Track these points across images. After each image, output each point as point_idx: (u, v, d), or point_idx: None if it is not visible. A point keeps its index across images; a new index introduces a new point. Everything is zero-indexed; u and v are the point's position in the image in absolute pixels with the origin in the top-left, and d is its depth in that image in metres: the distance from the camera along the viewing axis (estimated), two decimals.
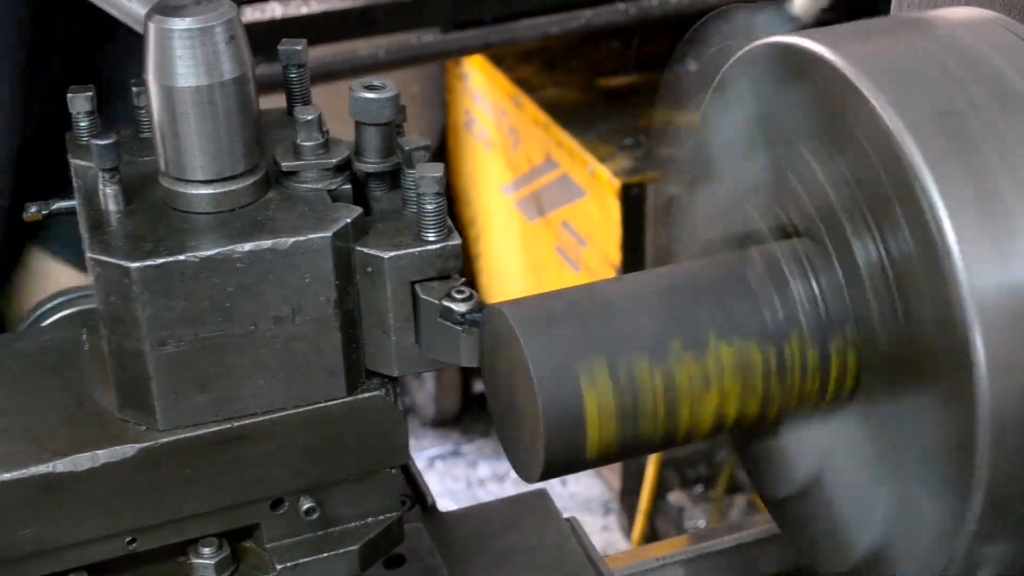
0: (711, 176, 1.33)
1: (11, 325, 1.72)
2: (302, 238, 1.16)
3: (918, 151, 1.05)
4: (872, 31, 1.22)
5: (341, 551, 1.27)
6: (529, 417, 1.12)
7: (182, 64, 1.14)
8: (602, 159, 3.97)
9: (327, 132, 1.22)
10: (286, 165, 1.21)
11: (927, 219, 1.04)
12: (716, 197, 1.31)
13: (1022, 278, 1.04)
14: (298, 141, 1.21)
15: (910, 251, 1.07)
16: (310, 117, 1.21)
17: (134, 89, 1.28)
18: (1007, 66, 1.13)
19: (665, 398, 1.14)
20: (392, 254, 1.18)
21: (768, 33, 1.23)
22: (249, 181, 1.19)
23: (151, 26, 1.14)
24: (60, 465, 1.18)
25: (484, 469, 4.65)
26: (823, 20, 3.73)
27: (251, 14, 3.57)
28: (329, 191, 1.21)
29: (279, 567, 1.26)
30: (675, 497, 4.15)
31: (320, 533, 1.27)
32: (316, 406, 1.22)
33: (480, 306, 1.18)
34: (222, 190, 1.19)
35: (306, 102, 1.30)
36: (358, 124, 1.22)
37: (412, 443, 1.37)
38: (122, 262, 1.14)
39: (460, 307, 1.18)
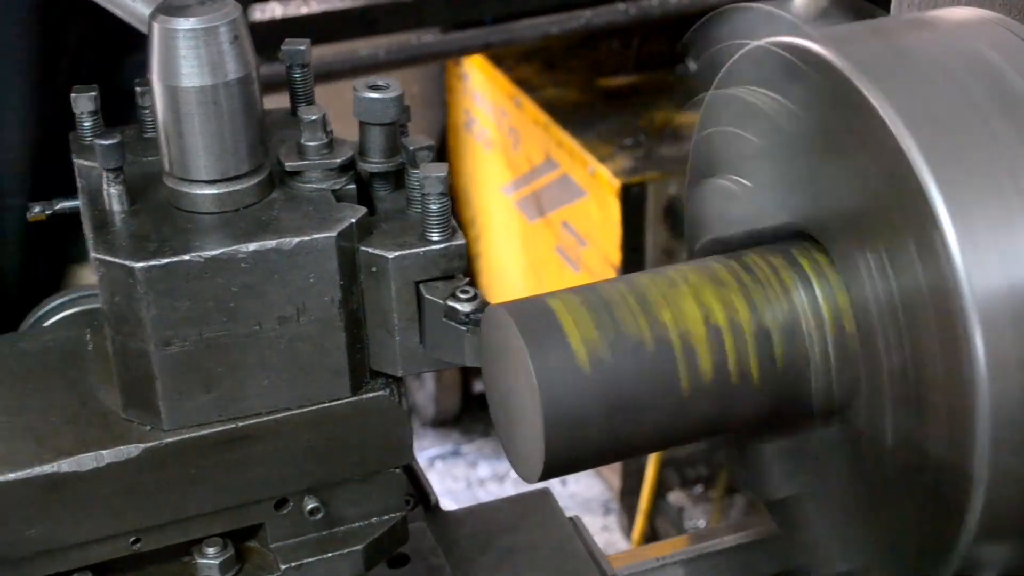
0: (711, 176, 1.33)
1: None
2: (306, 238, 1.16)
3: (918, 151, 1.05)
4: (872, 31, 1.22)
5: (345, 551, 1.27)
6: (529, 417, 1.12)
7: (186, 64, 1.14)
8: (602, 159, 3.97)
9: (331, 132, 1.22)
10: (290, 165, 1.21)
11: (928, 219, 1.04)
12: (716, 198, 1.31)
13: (1022, 278, 1.04)
14: (302, 141, 1.21)
15: (911, 251, 1.07)
16: (314, 117, 1.21)
17: (138, 89, 1.28)
18: (1007, 66, 1.13)
19: (634, 296, 1.14)
20: (396, 254, 1.19)
21: (768, 33, 1.24)
22: (253, 181, 1.20)
23: (155, 26, 1.14)
24: (65, 465, 1.18)
25: (484, 469, 4.65)
26: (823, 20, 3.73)
27: (250, 14, 3.57)
28: (333, 191, 1.21)
29: (283, 567, 1.26)
30: (675, 497, 4.15)
31: (324, 533, 1.28)
32: (320, 406, 1.22)
33: (484, 306, 1.18)
34: (226, 190, 1.19)
35: (310, 102, 1.30)
36: (362, 124, 1.22)
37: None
38: (126, 262, 1.14)
39: (465, 307, 1.18)
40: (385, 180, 1.25)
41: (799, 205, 1.20)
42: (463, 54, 4.19)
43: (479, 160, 4.58)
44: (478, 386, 4.54)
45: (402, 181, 1.24)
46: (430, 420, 4.75)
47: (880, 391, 1.13)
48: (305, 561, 1.27)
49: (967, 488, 1.05)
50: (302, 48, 1.29)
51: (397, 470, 1.28)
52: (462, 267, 1.20)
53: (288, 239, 1.16)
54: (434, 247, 1.19)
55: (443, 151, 4.66)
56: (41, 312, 1.53)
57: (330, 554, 1.27)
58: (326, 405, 1.22)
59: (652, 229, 3.91)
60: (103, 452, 1.19)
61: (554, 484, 1.53)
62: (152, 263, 1.14)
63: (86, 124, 1.27)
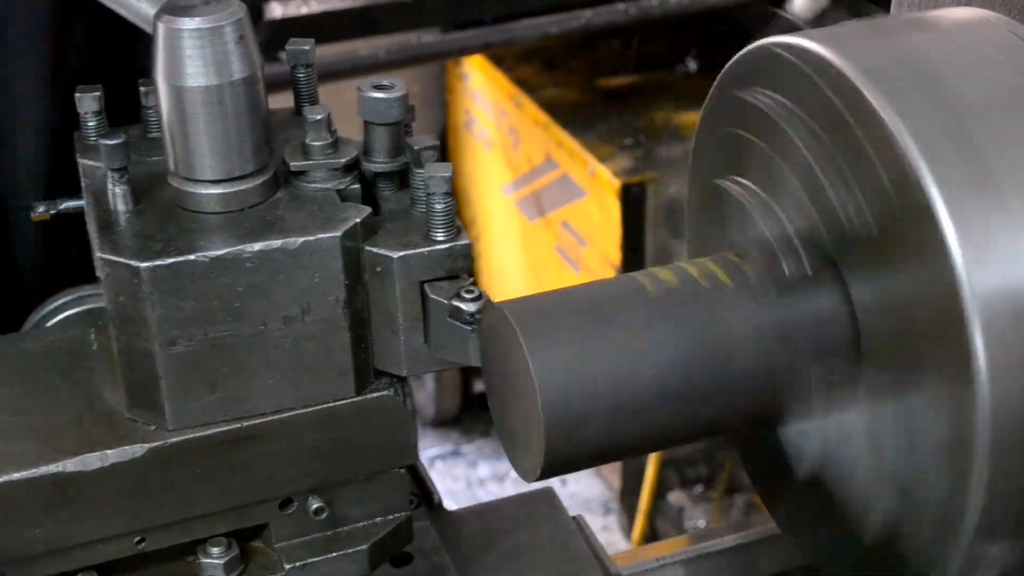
0: (711, 177, 1.33)
1: None
2: (311, 238, 1.16)
3: (918, 151, 1.05)
4: (873, 31, 1.23)
5: (350, 551, 1.27)
6: (529, 417, 1.12)
7: (191, 64, 1.14)
8: (602, 159, 3.97)
9: (335, 132, 1.22)
10: (295, 165, 1.21)
11: (928, 219, 1.04)
12: (716, 198, 1.31)
13: (1022, 278, 1.04)
14: (307, 141, 1.21)
15: (911, 251, 1.07)
16: (319, 117, 1.21)
17: (142, 89, 1.28)
18: (1007, 66, 1.13)
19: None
20: (401, 254, 1.19)
21: (768, 33, 1.24)
22: (258, 181, 1.20)
23: (160, 26, 1.14)
24: (70, 465, 1.18)
25: (484, 469, 4.65)
26: (823, 20, 3.73)
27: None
28: (338, 191, 1.21)
29: (288, 567, 1.26)
30: (675, 497, 4.15)
31: (329, 533, 1.28)
32: (325, 406, 1.22)
33: (489, 306, 1.18)
34: (231, 190, 1.19)
35: (314, 102, 1.30)
36: (367, 124, 1.22)
37: None
38: (132, 262, 1.14)
39: (469, 307, 1.18)
40: (389, 180, 1.25)
41: (799, 205, 1.20)
42: (463, 54, 4.19)
43: (479, 160, 4.58)
44: (478, 386, 4.54)
45: (406, 181, 1.24)
46: (430, 420, 4.75)
47: (881, 390, 1.14)
48: (309, 561, 1.27)
49: (967, 488, 1.05)
50: (306, 48, 1.29)
51: (401, 470, 1.28)
52: (467, 267, 1.20)
53: (293, 239, 1.16)
54: (439, 247, 1.19)
55: (443, 151, 4.64)
56: (44, 312, 1.53)
57: (334, 554, 1.27)
58: (331, 405, 1.22)
59: (652, 229, 3.91)
60: (108, 452, 1.19)
61: (554, 484, 1.53)
62: (157, 263, 1.14)
63: (90, 124, 1.27)
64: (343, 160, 1.21)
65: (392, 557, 1.37)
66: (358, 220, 1.18)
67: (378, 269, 1.19)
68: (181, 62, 1.14)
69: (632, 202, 3.89)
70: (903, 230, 1.07)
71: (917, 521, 1.12)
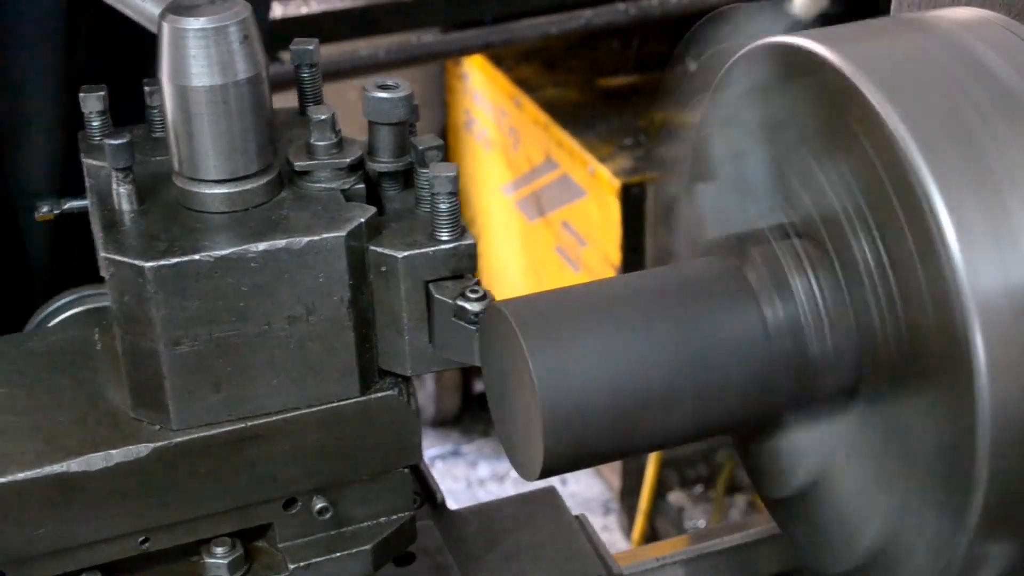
0: (711, 177, 1.33)
1: None
2: (316, 238, 1.16)
3: (918, 151, 1.05)
4: (872, 31, 1.23)
5: (354, 550, 1.27)
6: (529, 416, 1.12)
7: (196, 64, 1.14)
8: (602, 159, 3.98)
9: (340, 132, 1.22)
10: (299, 165, 1.21)
11: (928, 219, 1.04)
12: (716, 198, 1.31)
13: (1022, 278, 1.04)
14: (311, 141, 1.21)
15: (911, 251, 1.07)
16: (323, 117, 1.21)
17: (146, 89, 1.28)
18: (1007, 66, 1.13)
19: None
20: (406, 254, 1.19)
21: (768, 33, 1.24)
22: (263, 180, 1.20)
23: (165, 26, 1.14)
24: (74, 464, 1.18)
25: (484, 469, 4.65)
26: (823, 20, 3.73)
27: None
28: (342, 191, 1.21)
29: (292, 567, 1.26)
30: (675, 497, 4.15)
31: (333, 533, 1.28)
32: (329, 406, 1.22)
33: None
34: (236, 189, 1.19)
35: (318, 101, 1.30)
36: (371, 124, 1.22)
37: None
38: (136, 261, 1.14)
39: (474, 306, 1.18)
40: (394, 180, 1.25)
41: (798, 205, 1.20)
42: (463, 54, 4.19)
43: (479, 160, 4.58)
44: (478, 386, 4.54)
45: (411, 180, 1.24)
46: (430, 420, 4.75)
47: (881, 391, 1.14)
48: (313, 561, 1.27)
49: (967, 488, 1.05)
50: (310, 48, 1.29)
51: (405, 470, 1.28)
52: (471, 267, 1.20)
53: (298, 239, 1.16)
54: (443, 247, 1.19)
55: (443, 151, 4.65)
56: (46, 312, 1.53)
57: (338, 554, 1.27)
58: (335, 405, 1.22)
59: (652, 229, 3.91)
60: (112, 452, 1.19)
61: (554, 484, 1.54)
62: (162, 263, 1.14)
63: (95, 124, 1.27)
64: (348, 160, 1.21)
65: (395, 556, 1.37)
66: (363, 220, 1.18)
67: (383, 269, 1.19)
68: (186, 62, 1.14)
69: (632, 202, 3.89)
70: (903, 230, 1.07)
71: (917, 522, 1.12)
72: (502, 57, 4.44)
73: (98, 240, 1.21)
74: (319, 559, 1.27)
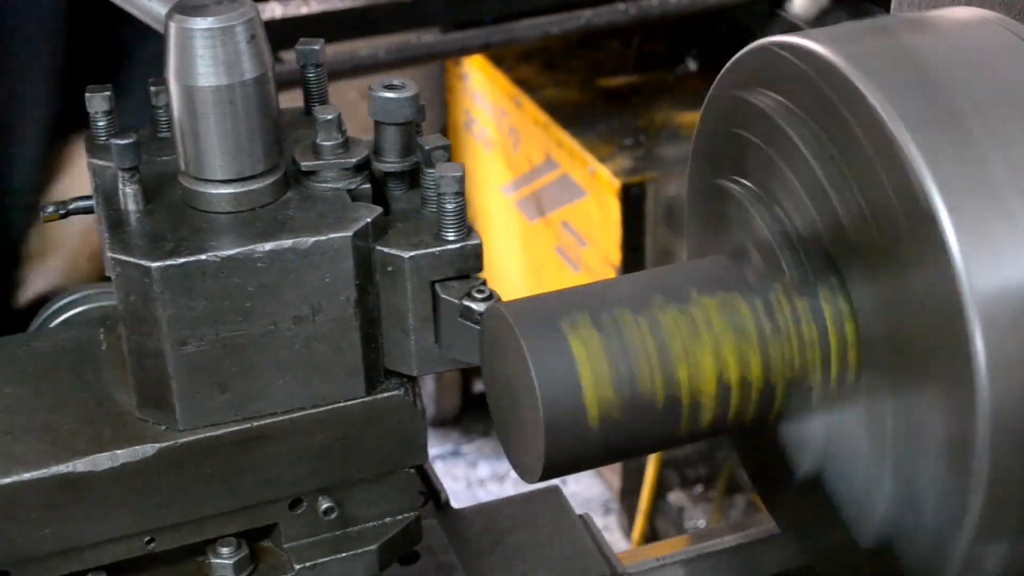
0: (711, 177, 1.33)
1: None
2: (323, 238, 1.16)
3: (918, 151, 1.05)
4: (872, 31, 1.23)
5: (359, 551, 1.27)
6: (529, 417, 1.12)
7: (203, 64, 1.14)
8: (602, 159, 3.98)
9: (346, 132, 1.22)
10: (305, 165, 1.21)
11: (928, 219, 1.04)
12: (716, 198, 1.32)
13: (1022, 278, 1.04)
14: (317, 141, 1.21)
15: (911, 252, 1.07)
16: (329, 116, 1.21)
17: (152, 89, 1.28)
18: (1007, 66, 1.13)
19: (655, 343, 1.14)
20: (412, 254, 1.18)
21: (768, 33, 1.24)
22: (269, 180, 1.19)
23: (172, 25, 1.14)
24: (80, 465, 1.18)
25: (484, 469, 4.65)
26: (823, 20, 3.73)
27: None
28: (349, 191, 1.21)
29: (297, 567, 1.26)
30: (675, 497, 4.15)
31: (338, 533, 1.27)
32: (335, 406, 1.22)
33: None
34: (242, 189, 1.19)
35: (324, 101, 1.30)
36: (377, 124, 1.22)
37: None
38: (143, 261, 1.14)
39: (480, 307, 1.18)
40: (400, 180, 1.24)
41: (799, 205, 1.20)
42: (463, 54, 4.19)
43: (479, 160, 4.58)
44: (478, 386, 4.55)
45: (417, 180, 1.24)
46: (430, 420, 4.74)
47: (881, 391, 1.14)
48: (319, 561, 1.26)
49: (967, 488, 1.06)
50: (316, 47, 1.29)
51: (411, 470, 1.28)
52: (477, 267, 1.20)
53: (304, 239, 1.16)
54: (450, 247, 1.19)
55: None
56: (50, 311, 1.53)
57: (344, 554, 1.27)
58: (341, 405, 1.22)
59: (652, 229, 3.91)
60: (118, 452, 1.18)
61: (554, 484, 1.54)
62: (168, 263, 1.14)
63: (100, 124, 1.27)
64: (354, 160, 1.21)
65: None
66: (369, 220, 1.18)
67: (389, 269, 1.19)
68: (192, 62, 1.14)
69: (632, 202, 3.89)
70: (903, 230, 1.07)
71: (917, 521, 1.12)
72: (502, 57, 4.44)
73: (104, 240, 1.21)
74: (325, 559, 1.27)
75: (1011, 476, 1.05)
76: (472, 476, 4.63)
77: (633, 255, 3.92)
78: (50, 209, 1.32)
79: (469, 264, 1.19)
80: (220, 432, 1.20)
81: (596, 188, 3.98)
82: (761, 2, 3.73)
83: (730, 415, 1.17)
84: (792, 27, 3.38)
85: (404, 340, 1.21)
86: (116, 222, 1.18)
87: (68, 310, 1.52)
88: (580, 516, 1.54)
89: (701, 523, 4.04)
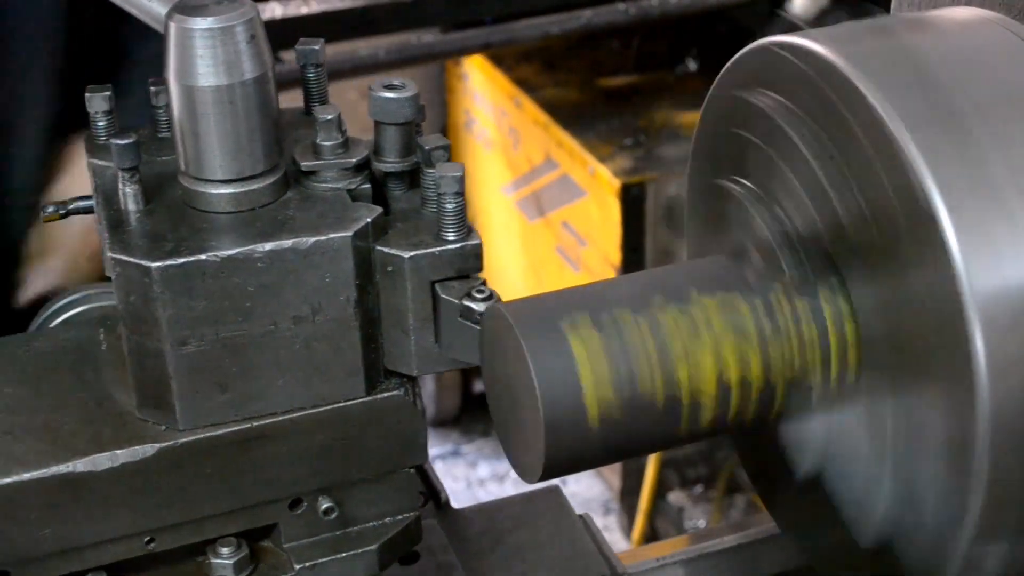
0: (711, 177, 1.33)
1: None
2: (323, 238, 1.16)
3: (918, 151, 1.05)
4: (872, 31, 1.23)
5: (359, 551, 1.27)
6: (529, 417, 1.12)
7: (203, 64, 1.14)
8: (602, 159, 3.98)
9: (346, 132, 1.22)
10: (305, 165, 1.21)
11: (928, 219, 1.04)
12: (716, 198, 1.32)
13: (1022, 278, 1.04)
14: (317, 141, 1.21)
15: (911, 251, 1.07)
16: (330, 117, 1.21)
17: (152, 89, 1.28)
18: (1008, 66, 1.13)
19: (655, 343, 1.14)
20: (412, 254, 1.18)
21: (768, 33, 1.24)
22: (269, 181, 1.19)
23: (172, 25, 1.14)
24: (80, 465, 1.18)
25: (484, 469, 4.65)
26: (823, 20, 3.73)
27: None
28: (349, 191, 1.21)
29: (297, 567, 1.26)
30: (675, 497, 4.16)
31: (338, 533, 1.27)
32: (335, 406, 1.22)
33: None
34: (242, 189, 1.19)
35: (324, 101, 1.30)
36: (378, 124, 1.22)
37: None
38: (143, 261, 1.14)
39: (480, 307, 1.18)
40: (400, 180, 1.24)
41: (799, 206, 1.20)
42: (463, 54, 4.19)
43: (479, 160, 4.58)
44: (478, 386, 4.55)
45: (417, 180, 1.24)
46: (430, 420, 4.74)
47: (881, 391, 1.14)
48: (319, 561, 1.26)
49: (967, 488, 1.06)
50: (316, 47, 1.29)
51: (411, 470, 1.28)
52: (477, 267, 1.20)
53: (304, 239, 1.16)
54: (450, 247, 1.19)
55: None
56: (51, 310, 1.53)
57: (344, 554, 1.27)
58: (341, 405, 1.22)
59: (652, 229, 3.91)
60: (118, 452, 1.18)
61: (554, 484, 1.54)
62: (168, 263, 1.14)
63: (100, 124, 1.27)
64: (354, 160, 1.21)
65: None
66: (369, 220, 1.18)
67: (389, 269, 1.19)
68: (192, 62, 1.14)
69: (632, 202, 3.89)
70: (903, 230, 1.07)
71: (917, 521, 1.12)
72: (502, 57, 4.44)
73: (104, 240, 1.21)
74: (325, 559, 1.27)
75: (1011, 476, 1.05)
76: (472, 476, 4.63)
77: (633, 255, 3.92)
78: (50, 209, 1.32)
79: (469, 264, 1.19)
80: (220, 432, 1.20)
81: (596, 188, 3.98)
82: (761, 2, 3.74)
83: (730, 415, 1.17)
84: (792, 27, 3.38)
85: (404, 340, 1.21)
86: (116, 222, 1.18)
87: (68, 310, 1.52)
88: (580, 516, 1.54)
89: (701, 523, 4.04)
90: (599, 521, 4.42)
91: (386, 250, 1.19)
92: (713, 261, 1.25)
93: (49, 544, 1.19)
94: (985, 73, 1.13)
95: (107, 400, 1.24)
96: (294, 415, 1.21)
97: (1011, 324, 1.03)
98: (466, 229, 1.19)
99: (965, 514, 1.06)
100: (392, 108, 1.20)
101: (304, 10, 3.73)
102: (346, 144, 1.22)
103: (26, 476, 1.17)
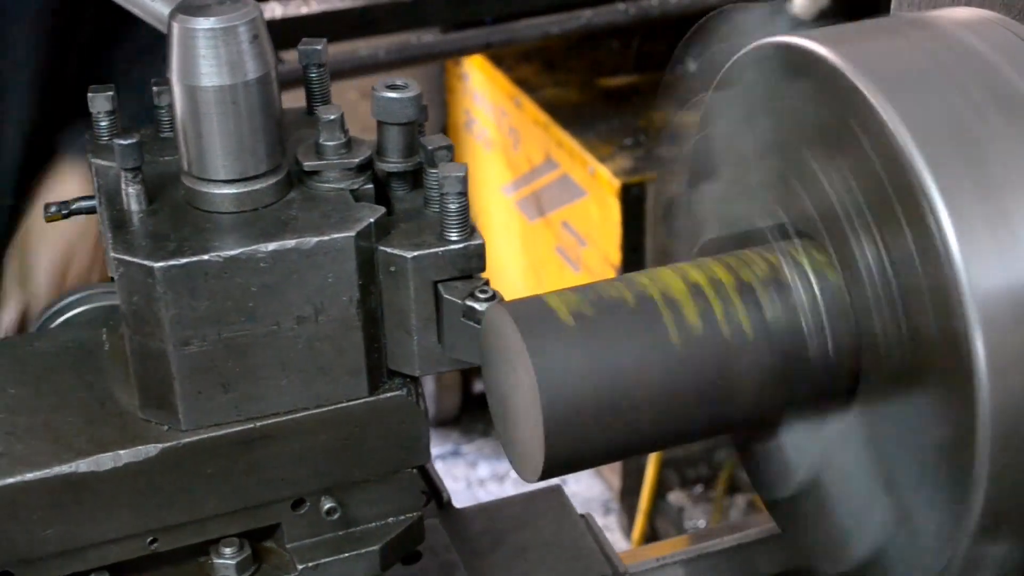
0: (712, 176, 1.33)
1: None
2: (325, 238, 1.16)
3: (918, 151, 1.05)
4: (873, 31, 1.23)
5: (362, 551, 1.27)
6: (529, 416, 1.12)
7: (205, 64, 1.14)
8: (602, 159, 3.98)
9: (348, 132, 1.22)
10: (308, 165, 1.21)
11: (928, 219, 1.04)
12: (717, 197, 1.32)
13: (1022, 278, 1.04)
14: (320, 141, 1.21)
15: (911, 252, 1.07)
16: (332, 117, 1.21)
17: (155, 89, 1.28)
18: (1008, 67, 1.13)
19: (621, 280, 1.16)
20: (415, 254, 1.18)
21: (768, 33, 1.24)
22: (272, 181, 1.19)
23: (175, 25, 1.14)
24: (83, 465, 1.18)
25: (484, 469, 4.65)
26: (823, 20, 3.73)
27: None
28: (351, 191, 1.21)
29: (300, 567, 1.26)
30: (675, 497, 4.16)
31: (341, 533, 1.27)
32: (338, 406, 1.22)
33: None
34: (245, 189, 1.18)
35: (326, 101, 1.30)
36: (380, 124, 1.22)
37: None
38: (145, 262, 1.14)
39: (483, 307, 1.18)
40: (403, 180, 1.24)
41: (798, 205, 1.20)
42: (463, 54, 4.19)
43: (479, 160, 4.58)
44: (478, 386, 4.55)
45: (419, 181, 1.24)
46: (430, 420, 4.75)
47: (880, 391, 1.14)
48: (322, 561, 1.26)
49: (967, 488, 1.06)
50: (318, 47, 1.29)
51: (413, 470, 1.28)
52: (480, 267, 1.20)
53: (307, 239, 1.16)
54: (453, 247, 1.19)
55: None
56: (52, 310, 1.53)
57: (347, 554, 1.27)
58: (343, 405, 1.22)
59: (652, 229, 3.91)
60: (121, 452, 1.18)
61: (556, 483, 1.54)
62: (171, 263, 1.14)
63: (103, 124, 1.27)
64: (357, 160, 1.21)
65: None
66: (372, 220, 1.18)
67: (392, 269, 1.19)
68: (195, 62, 1.14)
69: (632, 202, 3.90)
70: (903, 230, 1.07)
71: (917, 521, 1.12)
72: (502, 57, 4.44)
73: (107, 240, 1.21)
74: (327, 559, 1.26)
75: (1011, 476, 1.05)
76: (472, 476, 4.63)
77: (633, 255, 3.92)
78: (53, 209, 1.32)
79: (472, 264, 1.19)
80: (223, 432, 1.20)
81: (596, 188, 3.98)
82: (761, 2, 3.73)
83: (718, 312, 1.14)
84: (792, 27, 3.37)
85: (407, 340, 1.21)
86: (119, 222, 1.18)
87: (69, 310, 1.52)
88: (582, 516, 1.54)
89: (701, 523, 4.04)
90: (599, 521, 4.43)
91: (389, 250, 1.19)
92: (714, 260, 1.25)
93: (52, 544, 1.19)
94: (985, 73, 1.13)
95: (109, 400, 1.23)
96: (297, 415, 1.21)
97: (1011, 323, 1.03)
98: (469, 229, 1.19)
99: (965, 514, 1.06)
100: (395, 108, 1.20)
101: (304, 10, 3.73)
102: (349, 144, 1.21)
103: (29, 476, 1.17)
